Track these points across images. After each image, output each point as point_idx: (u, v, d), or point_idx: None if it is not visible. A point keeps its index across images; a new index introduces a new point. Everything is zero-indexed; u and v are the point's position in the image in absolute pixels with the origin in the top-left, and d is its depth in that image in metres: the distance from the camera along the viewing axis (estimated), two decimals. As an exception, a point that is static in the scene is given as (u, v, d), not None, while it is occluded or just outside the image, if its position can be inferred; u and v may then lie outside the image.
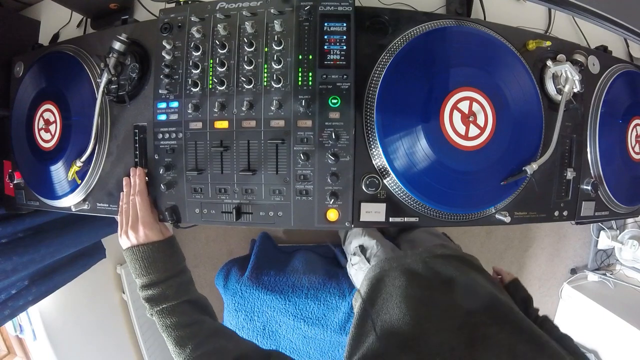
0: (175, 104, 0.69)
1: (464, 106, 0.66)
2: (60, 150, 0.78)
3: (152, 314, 0.61)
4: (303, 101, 0.65)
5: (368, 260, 0.89)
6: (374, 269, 0.77)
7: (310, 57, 0.66)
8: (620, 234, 1.78)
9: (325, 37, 0.66)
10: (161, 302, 0.60)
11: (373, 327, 0.58)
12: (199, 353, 0.55)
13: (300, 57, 0.66)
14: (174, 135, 0.69)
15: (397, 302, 0.61)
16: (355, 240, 1.02)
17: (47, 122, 0.80)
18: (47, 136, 0.80)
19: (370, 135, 0.67)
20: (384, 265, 0.76)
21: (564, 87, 0.70)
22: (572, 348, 0.57)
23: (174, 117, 0.69)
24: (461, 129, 0.66)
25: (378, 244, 0.92)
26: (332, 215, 0.67)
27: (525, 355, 0.47)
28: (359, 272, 0.89)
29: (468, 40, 0.69)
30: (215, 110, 0.67)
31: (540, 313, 0.69)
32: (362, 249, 0.94)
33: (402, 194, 0.68)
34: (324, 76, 0.66)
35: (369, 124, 0.67)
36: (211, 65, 0.68)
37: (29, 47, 0.90)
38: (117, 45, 0.67)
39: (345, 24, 0.66)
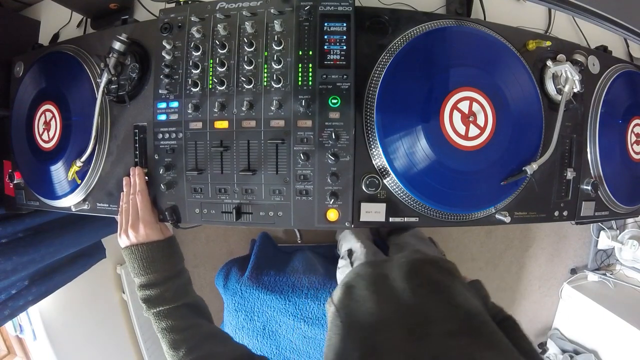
0: (175, 104, 0.69)
1: (464, 106, 0.66)
2: (60, 150, 0.78)
3: (148, 315, 0.61)
4: (303, 101, 0.65)
5: (352, 264, 0.89)
6: (350, 274, 0.76)
7: (310, 57, 0.66)
8: (620, 234, 1.78)
9: (325, 37, 0.66)
10: (158, 305, 0.60)
11: (340, 332, 0.58)
12: (191, 357, 0.56)
13: (300, 57, 0.66)
14: (174, 135, 0.69)
15: (370, 307, 0.61)
16: (345, 244, 1.02)
17: (47, 122, 0.80)
18: (47, 136, 0.80)
19: (370, 135, 0.67)
20: (359, 270, 0.75)
21: (564, 87, 0.70)
22: None
23: (174, 117, 0.69)
24: (461, 129, 0.66)
25: (362, 248, 0.92)
26: (332, 215, 0.67)
27: None
28: (340, 275, 0.89)
29: (468, 41, 0.69)
30: (215, 110, 0.67)
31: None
32: (350, 252, 0.94)
33: (402, 194, 0.68)
34: (324, 76, 0.66)
35: (369, 124, 0.67)
36: (211, 65, 0.68)
37: (29, 47, 0.90)
38: (117, 45, 0.67)
39: (345, 24, 0.66)
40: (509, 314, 0.67)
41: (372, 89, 0.67)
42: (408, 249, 0.93)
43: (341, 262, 0.94)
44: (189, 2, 0.70)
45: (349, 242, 1.00)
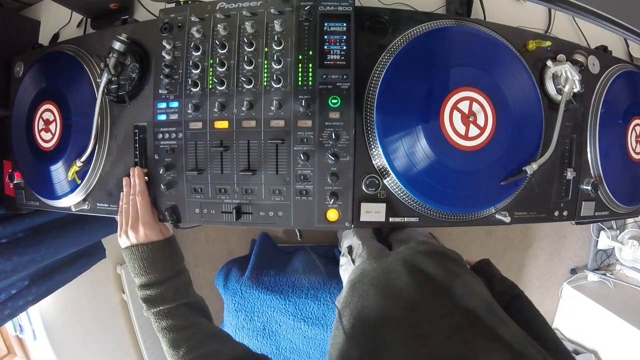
0: (175, 104, 0.69)
1: (464, 106, 0.66)
2: (60, 150, 0.78)
3: (148, 314, 0.61)
4: (303, 101, 0.65)
5: (353, 261, 0.88)
6: (355, 271, 0.76)
7: (310, 57, 0.66)
8: (620, 234, 1.79)
9: (325, 37, 0.66)
10: (159, 304, 0.60)
11: (344, 330, 0.58)
12: (192, 356, 0.55)
13: (300, 57, 0.66)
14: (174, 135, 0.69)
15: (375, 303, 0.60)
16: (345, 241, 1.01)
17: (47, 122, 0.80)
18: (47, 136, 0.80)
19: (370, 135, 0.67)
20: (364, 266, 0.75)
21: (564, 87, 0.70)
22: (554, 348, 0.54)
23: (174, 117, 0.69)
24: (461, 129, 0.66)
25: (363, 245, 0.92)
26: (332, 215, 0.67)
27: None
28: (345, 273, 0.88)
29: (468, 40, 0.69)
30: (215, 110, 0.67)
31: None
32: (350, 249, 0.94)
33: (402, 194, 0.68)
34: (324, 76, 0.66)
35: (369, 124, 0.67)
36: (211, 65, 0.68)
37: (29, 47, 0.90)
38: (117, 45, 0.67)
39: (345, 24, 0.66)
40: (519, 290, 0.66)
41: (372, 89, 0.67)
42: (414, 241, 0.92)
43: (342, 260, 0.93)
44: (189, 2, 0.70)
45: (349, 239, 1.00)
